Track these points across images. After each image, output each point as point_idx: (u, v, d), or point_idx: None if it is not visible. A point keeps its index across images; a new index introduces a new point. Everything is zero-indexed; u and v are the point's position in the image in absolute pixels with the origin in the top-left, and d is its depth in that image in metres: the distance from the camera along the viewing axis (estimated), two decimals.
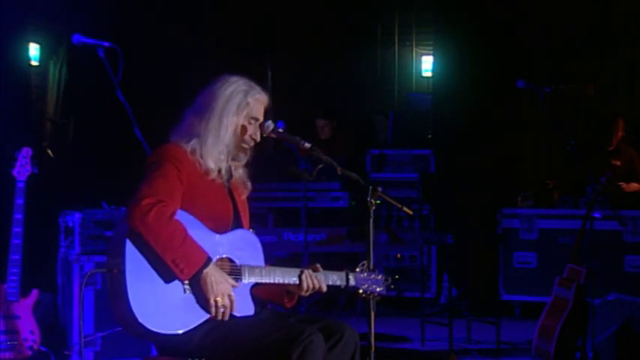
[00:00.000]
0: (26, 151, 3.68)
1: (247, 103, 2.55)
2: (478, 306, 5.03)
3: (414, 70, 10.85)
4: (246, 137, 2.58)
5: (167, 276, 2.33)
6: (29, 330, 3.61)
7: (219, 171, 2.54)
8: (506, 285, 5.47)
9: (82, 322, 3.94)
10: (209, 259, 2.36)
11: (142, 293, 2.28)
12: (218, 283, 2.36)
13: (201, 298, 2.36)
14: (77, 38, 3.28)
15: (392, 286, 2.72)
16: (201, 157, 2.48)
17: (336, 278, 2.61)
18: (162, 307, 2.31)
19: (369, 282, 2.64)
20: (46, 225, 4.83)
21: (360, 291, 2.63)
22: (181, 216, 2.40)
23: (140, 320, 2.27)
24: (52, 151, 7.29)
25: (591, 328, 4.00)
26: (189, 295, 2.36)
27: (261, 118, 2.62)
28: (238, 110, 2.54)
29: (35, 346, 3.62)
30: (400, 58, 10.83)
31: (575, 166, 5.31)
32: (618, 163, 5.80)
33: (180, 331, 2.33)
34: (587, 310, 4.03)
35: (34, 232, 4.12)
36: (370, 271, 2.65)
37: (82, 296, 3.96)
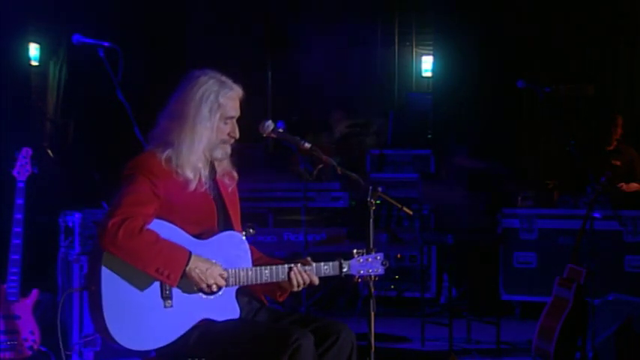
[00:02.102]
0: (26, 151, 3.67)
1: (219, 105, 2.48)
2: (478, 306, 5.03)
3: (414, 70, 10.85)
4: (224, 137, 2.52)
5: (145, 293, 2.33)
6: (29, 330, 3.61)
7: (200, 178, 2.48)
8: (506, 285, 5.47)
9: (82, 322, 3.96)
10: (190, 255, 2.35)
11: (119, 313, 2.29)
12: (205, 271, 2.35)
13: (195, 290, 2.38)
14: (77, 38, 3.28)
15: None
16: (178, 167, 2.43)
17: (328, 269, 2.57)
18: (139, 325, 2.31)
19: (366, 266, 2.58)
20: (46, 225, 4.83)
21: (357, 277, 2.59)
22: (161, 225, 2.39)
23: (117, 340, 2.29)
24: (52, 151, 7.28)
25: (591, 328, 4.00)
26: (170, 308, 2.36)
27: (237, 114, 2.55)
28: (211, 114, 2.47)
29: (35, 346, 3.62)
30: (400, 58, 10.83)
31: (575, 166, 5.31)
32: (618, 163, 5.80)
33: (163, 345, 2.34)
34: (587, 310, 4.03)
35: (34, 232, 4.12)
36: (367, 253, 2.59)
37: (81, 296, 3.98)
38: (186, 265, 2.33)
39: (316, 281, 2.55)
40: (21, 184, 3.63)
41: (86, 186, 6.37)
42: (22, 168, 3.64)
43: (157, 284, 2.35)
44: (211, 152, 2.51)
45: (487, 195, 6.17)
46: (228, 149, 2.56)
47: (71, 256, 4.14)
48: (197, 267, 2.34)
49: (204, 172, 2.51)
